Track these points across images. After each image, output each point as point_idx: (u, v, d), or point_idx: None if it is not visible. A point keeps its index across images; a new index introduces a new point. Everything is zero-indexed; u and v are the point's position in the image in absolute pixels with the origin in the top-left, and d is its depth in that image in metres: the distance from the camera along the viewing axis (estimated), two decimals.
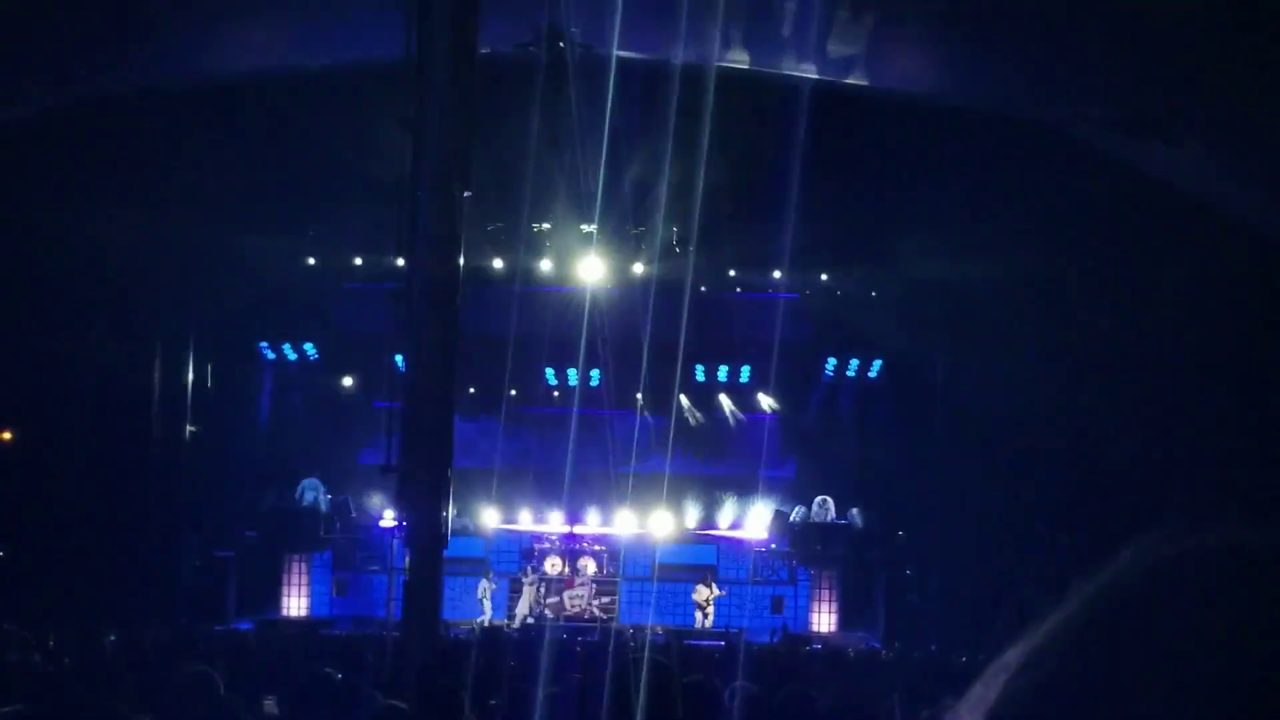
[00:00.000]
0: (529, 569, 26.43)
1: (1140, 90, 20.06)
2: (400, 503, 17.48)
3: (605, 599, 26.69)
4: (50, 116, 21.94)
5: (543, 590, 26.97)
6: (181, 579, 25.73)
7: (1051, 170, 22.15)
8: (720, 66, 18.84)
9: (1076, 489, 23.82)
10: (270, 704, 8.34)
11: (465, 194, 16.50)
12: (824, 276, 27.37)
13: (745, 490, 28.77)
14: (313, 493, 27.47)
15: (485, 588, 26.41)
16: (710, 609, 26.15)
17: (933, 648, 22.55)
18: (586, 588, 27.02)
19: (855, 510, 27.86)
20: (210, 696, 6.68)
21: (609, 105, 18.72)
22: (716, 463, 28.49)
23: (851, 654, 19.41)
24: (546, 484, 26.88)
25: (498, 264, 26.38)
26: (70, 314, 23.59)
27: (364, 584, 26.91)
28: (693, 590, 26.33)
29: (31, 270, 23.02)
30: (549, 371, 28.56)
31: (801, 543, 27.62)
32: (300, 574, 26.98)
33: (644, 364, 23.37)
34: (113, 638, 15.46)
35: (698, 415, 28.45)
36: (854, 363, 28.97)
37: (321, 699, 7.05)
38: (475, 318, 22.91)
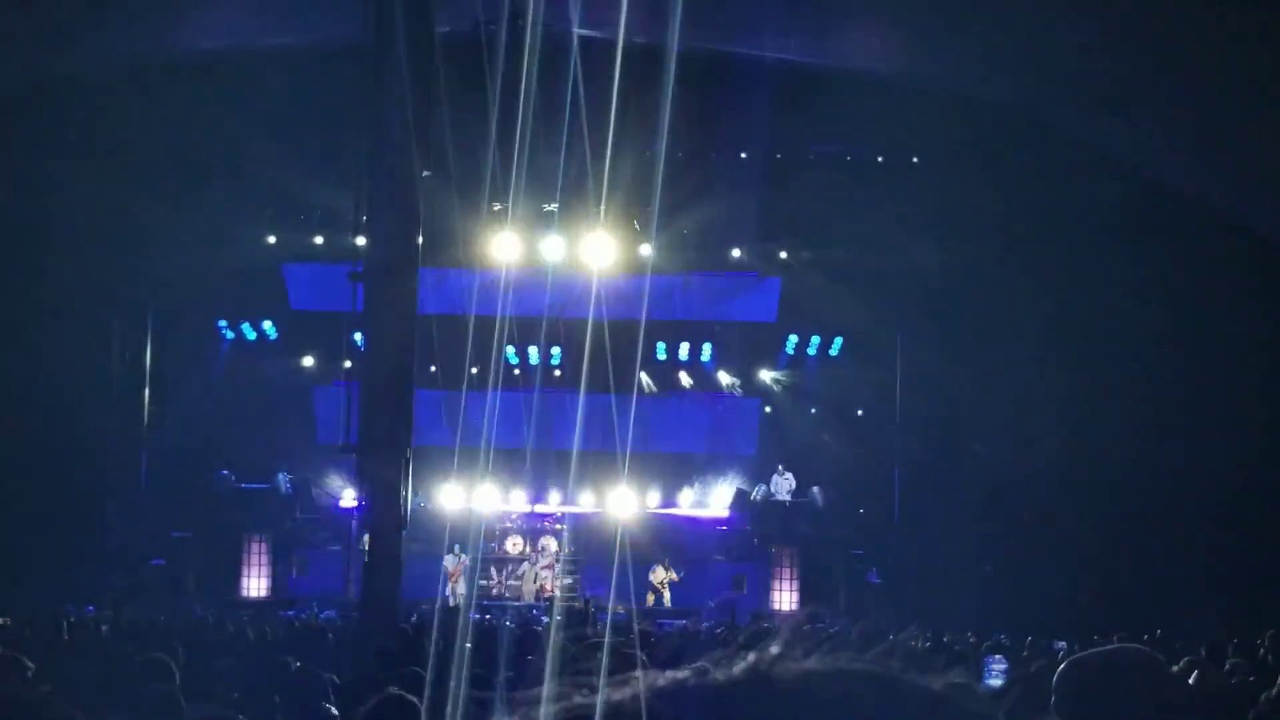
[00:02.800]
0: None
1: (1104, 70, 20.13)
2: (360, 482, 17.48)
3: (567, 580, 26.67)
4: (4, 94, 21.71)
5: (499, 571, 27.00)
6: (140, 560, 25.53)
7: (1013, 151, 22.24)
8: (680, 45, 18.77)
9: (1036, 468, 23.97)
10: (226, 689, 8.30)
11: (424, 174, 16.46)
12: (783, 255, 27.37)
13: (707, 469, 28.83)
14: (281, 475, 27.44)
15: (453, 565, 26.27)
16: (666, 591, 26.19)
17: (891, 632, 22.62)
18: (548, 568, 27.01)
19: (816, 488, 27.93)
20: (165, 683, 6.64)
21: (569, 84, 18.65)
22: (679, 441, 28.50)
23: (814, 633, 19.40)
24: (508, 463, 26.84)
25: (459, 243, 26.24)
26: (25, 293, 23.37)
27: (325, 564, 26.80)
28: (650, 571, 26.35)
29: None
30: (510, 350, 28.48)
31: (762, 521, 27.71)
32: (260, 554, 26.86)
33: (606, 343, 23.30)
34: (71, 620, 15.37)
35: (653, 387, 28.39)
36: (815, 340, 29.00)
37: (279, 686, 7.03)
38: (435, 297, 22.84)
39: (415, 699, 5.27)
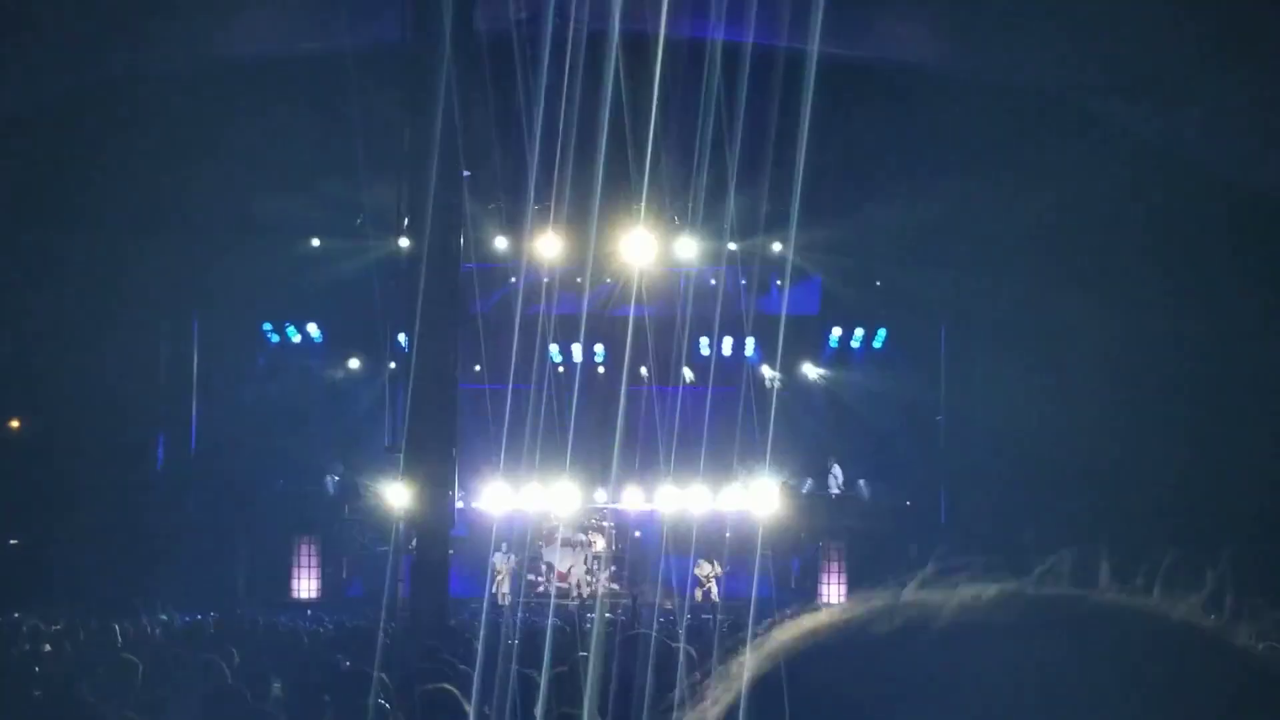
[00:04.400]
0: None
1: (1147, 57, 19.96)
2: (406, 483, 17.56)
3: (615, 579, 26.71)
4: (52, 101, 21.93)
5: (547, 569, 27.06)
6: (191, 564, 25.69)
7: (1055, 140, 22.07)
8: (714, 40, 18.77)
9: (1084, 456, 23.79)
10: (277, 689, 8.35)
11: (465, 173, 16.52)
12: (825, 247, 27.27)
13: (752, 463, 28.75)
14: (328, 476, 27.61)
15: (502, 564, 26.39)
16: (712, 585, 26.17)
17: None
18: (596, 564, 27.06)
19: (862, 481, 27.83)
20: (218, 685, 6.71)
21: (607, 81, 18.64)
22: (723, 436, 28.45)
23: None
24: (553, 461, 26.90)
25: (499, 243, 26.32)
26: (73, 300, 23.58)
27: (373, 564, 26.91)
28: (695, 566, 26.35)
29: (34, 257, 23.05)
30: (553, 348, 28.54)
31: (809, 514, 27.62)
32: (310, 556, 27.01)
33: (649, 340, 23.34)
34: (125, 625, 15.48)
35: (691, 377, 28.33)
36: (859, 333, 28.90)
37: (329, 686, 7.06)
38: (478, 296, 22.94)
39: (458, 692, 5.31)
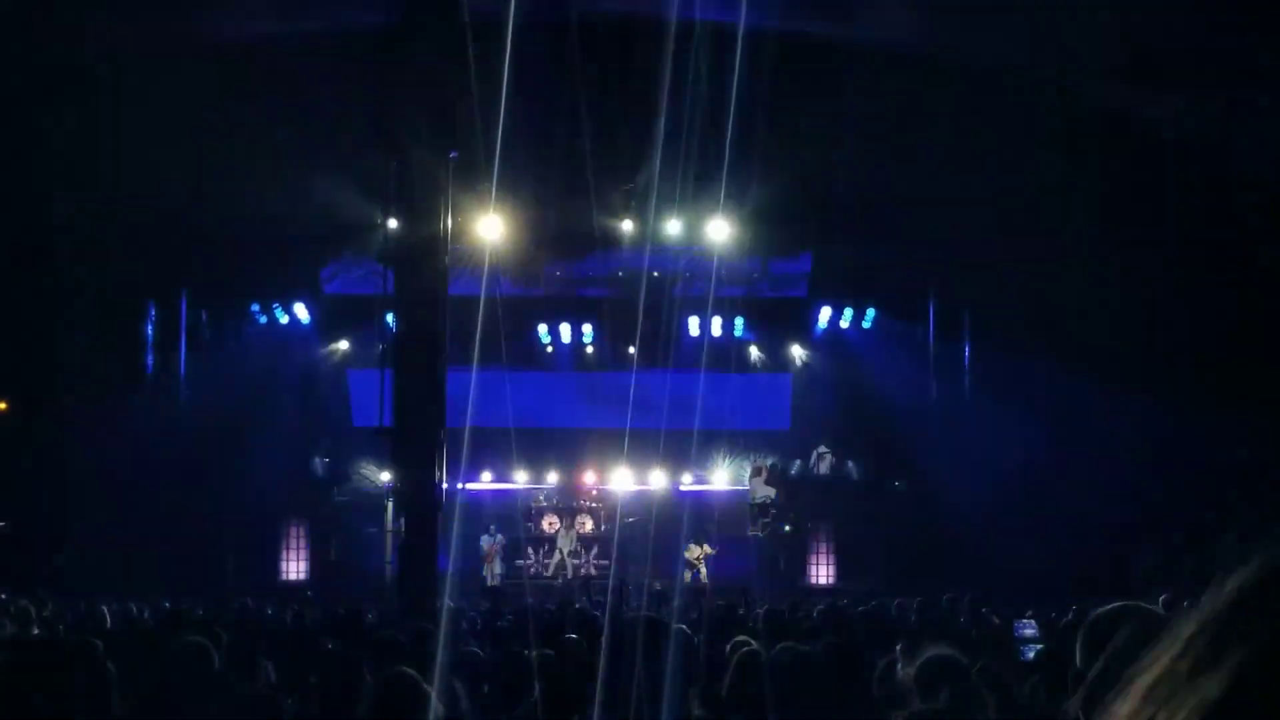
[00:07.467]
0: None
1: (1133, 39, 19.94)
2: (394, 464, 17.54)
3: (603, 559, 26.72)
4: (40, 78, 21.82)
5: (536, 551, 27.08)
6: (179, 547, 25.61)
7: (1042, 118, 22.05)
8: (705, 22, 18.71)
9: (1073, 436, 23.83)
10: (269, 670, 8.33)
11: (452, 155, 16.46)
12: (814, 228, 27.20)
13: (741, 445, 28.77)
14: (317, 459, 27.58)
15: (489, 546, 26.39)
16: (702, 566, 26.17)
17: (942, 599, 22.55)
18: (584, 545, 27.07)
19: (851, 462, 27.84)
20: (205, 668, 6.66)
21: (598, 63, 18.62)
22: (713, 418, 28.46)
23: (849, 606, 19.38)
24: (542, 442, 26.91)
25: (487, 223, 26.21)
26: (61, 279, 23.49)
27: (362, 546, 26.88)
28: (684, 549, 26.34)
29: (21, 236, 22.96)
30: (542, 329, 28.52)
31: (798, 495, 27.63)
32: (299, 538, 26.97)
33: (639, 320, 23.28)
34: (113, 608, 15.46)
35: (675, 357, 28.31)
36: (848, 312, 28.87)
37: (317, 670, 7.05)
38: (467, 277, 22.86)
39: (416, 674, 5.30)
